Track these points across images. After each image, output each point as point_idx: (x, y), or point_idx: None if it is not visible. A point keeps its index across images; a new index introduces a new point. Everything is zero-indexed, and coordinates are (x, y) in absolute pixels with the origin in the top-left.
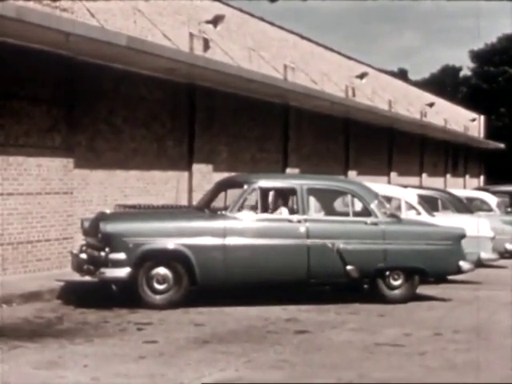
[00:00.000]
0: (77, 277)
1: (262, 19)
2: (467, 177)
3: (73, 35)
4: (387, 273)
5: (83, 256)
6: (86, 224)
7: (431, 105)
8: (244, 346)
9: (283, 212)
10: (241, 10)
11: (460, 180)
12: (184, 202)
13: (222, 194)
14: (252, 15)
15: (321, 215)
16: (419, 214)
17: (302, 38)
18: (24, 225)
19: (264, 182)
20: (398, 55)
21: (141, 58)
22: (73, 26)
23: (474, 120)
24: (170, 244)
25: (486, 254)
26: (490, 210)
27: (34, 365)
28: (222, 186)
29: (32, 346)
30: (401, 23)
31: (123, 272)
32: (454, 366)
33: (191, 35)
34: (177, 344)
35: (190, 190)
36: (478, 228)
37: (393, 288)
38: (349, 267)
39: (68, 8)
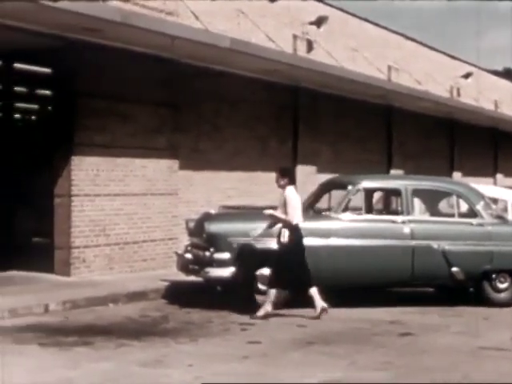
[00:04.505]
0: (181, 277)
1: (365, 19)
2: None
3: (178, 38)
4: (493, 275)
5: (188, 256)
6: (191, 224)
7: None
8: (348, 347)
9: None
10: (343, 11)
11: None
12: None
13: (326, 195)
14: (355, 16)
15: (425, 216)
16: None
17: (406, 38)
18: (130, 225)
19: (368, 183)
20: (504, 54)
21: (244, 59)
22: (178, 29)
23: None
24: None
25: None
26: None
27: (140, 363)
28: (326, 187)
29: (138, 344)
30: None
31: (228, 272)
32: None
33: (294, 37)
34: (280, 345)
35: None
36: None
37: (499, 291)
38: (454, 269)
39: (173, 11)
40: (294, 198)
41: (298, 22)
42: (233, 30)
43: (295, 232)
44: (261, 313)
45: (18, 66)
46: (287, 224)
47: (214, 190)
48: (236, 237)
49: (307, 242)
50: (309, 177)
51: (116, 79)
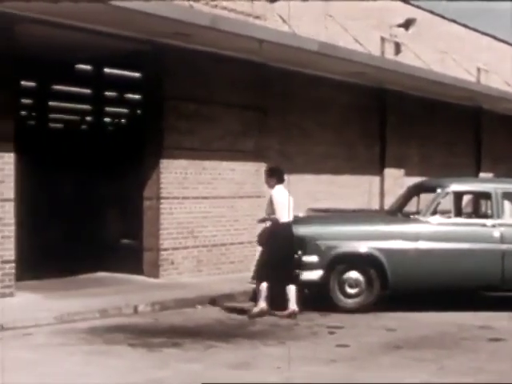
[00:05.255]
0: None
1: (453, 21)
2: None
3: (265, 42)
4: None
5: None
6: None
7: None
8: (436, 352)
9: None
10: (432, 13)
11: None
12: (375, 206)
13: (415, 199)
14: (443, 17)
15: None
16: None
17: (497, 39)
18: (218, 228)
19: (457, 186)
20: None
21: (332, 62)
22: (265, 32)
23: None
24: (363, 247)
25: None
26: None
27: (228, 365)
28: (415, 190)
29: (226, 346)
30: None
31: (316, 275)
32: None
33: (382, 39)
34: (368, 348)
35: (382, 194)
36: None
37: None
38: None
39: (261, 15)
40: (280, 196)
41: (385, 25)
42: (320, 33)
43: (282, 230)
44: (256, 310)
45: (107, 70)
46: (274, 222)
47: (302, 193)
48: (324, 240)
49: (395, 245)
50: (397, 180)
51: (204, 82)
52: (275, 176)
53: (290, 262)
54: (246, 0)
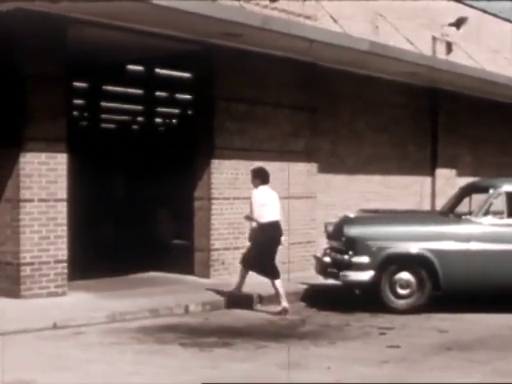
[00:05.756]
0: (320, 280)
1: (505, 19)
2: None
3: (316, 42)
4: None
5: (327, 259)
6: (330, 228)
7: None
8: (489, 353)
9: None
10: (484, 11)
11: None
12: (427, 206)
13: (467, 199)
14: (495, 16)
15: None
16: None
17: None
18: None
19: (510, 187)
20: None
21: (383, 62)
22: (316, 32)
23: None
24: (414, 248)
25: None
26: None
27: (279, 365)
28: (467, 191)
29: (276, 346)
30: None
31: (366, 275)
32: None
33: (434, 38)
34: (420, 350)
35: (433, 195)
36: None
37: None
38: None
39: (311, 15)
40: (260, 197)
41: (437, 24)
42: (371, 32)
43: (262, 231)
44: (278, 309)
45: (158, 71)
46: (255, 222)
47: (352, 193)
48: (375, 240)
49: (446, 246)
50: (448, 180)
51: (254, 83)
52: (259, 177)
53: (272, 260)
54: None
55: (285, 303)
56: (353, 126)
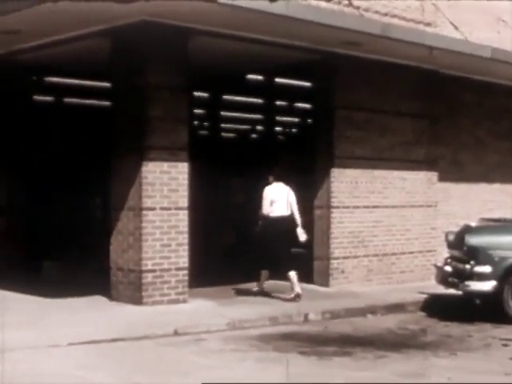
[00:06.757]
0: (440, 289)
1: None
2: None
3: (436, 49)
4: None
5: (448, 269)
6: (451, 237)
7: None
8: None
9: None
10: None
11: None
12: None
13: None
14: None
15: None
16: None
17: None
18: (388, 237)
19: None
20: None
21: (505, 69)
22: (437, 39)
23: None
24: None
25: None
26: None
27: (400, 374)
28: None
29: (397, 356)
30: None
31: (488, 286)
32: None
33: None
34: None
35: None
36: None
37: None
38: None
39: (431, 22)
40: (269, 192)
41: None
42: (493, 38)
43: (270, 226)
44: (291, 295)
45: (278, 80)
46: (264, 217)
47: (473, 202)
48: (497, 250)
49: None
50: None
51: (374, 91)
52: (271, 175)
53: (283, 253)
54: (416, 7)
55: (298, 289)
56: (474, 134)
